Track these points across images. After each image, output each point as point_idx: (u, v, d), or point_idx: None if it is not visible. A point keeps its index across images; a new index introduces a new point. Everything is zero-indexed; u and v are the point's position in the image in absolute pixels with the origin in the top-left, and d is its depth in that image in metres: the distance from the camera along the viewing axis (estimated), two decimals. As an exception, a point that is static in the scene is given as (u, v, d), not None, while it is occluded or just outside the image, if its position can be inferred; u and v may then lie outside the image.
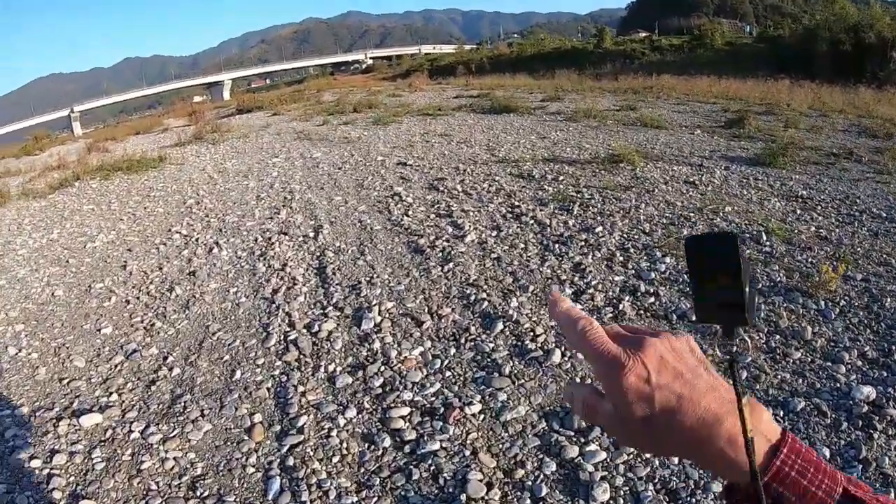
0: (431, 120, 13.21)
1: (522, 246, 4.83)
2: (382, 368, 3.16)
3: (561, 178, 7.01)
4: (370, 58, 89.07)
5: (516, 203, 6.08)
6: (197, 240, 5.88)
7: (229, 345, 3.63)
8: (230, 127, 16.11)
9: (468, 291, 4.03)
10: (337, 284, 4.37)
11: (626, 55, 40.75)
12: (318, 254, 5.13)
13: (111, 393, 3.28)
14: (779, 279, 4.02)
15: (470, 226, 5.43)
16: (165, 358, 3.59)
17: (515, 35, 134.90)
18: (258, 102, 23.64)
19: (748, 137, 9.34)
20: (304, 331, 3.67)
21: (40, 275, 5.36)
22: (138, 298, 4.58)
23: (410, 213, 6.07)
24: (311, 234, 5.68)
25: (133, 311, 4.35)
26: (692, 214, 5.43)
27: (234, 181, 8.45)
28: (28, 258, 5.90)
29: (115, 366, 3.58)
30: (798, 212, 5.42)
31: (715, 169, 7.18)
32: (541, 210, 5.79)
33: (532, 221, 5.47)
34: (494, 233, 5.23)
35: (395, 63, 72.82)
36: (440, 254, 4.83)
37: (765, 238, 4.73)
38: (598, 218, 5.43)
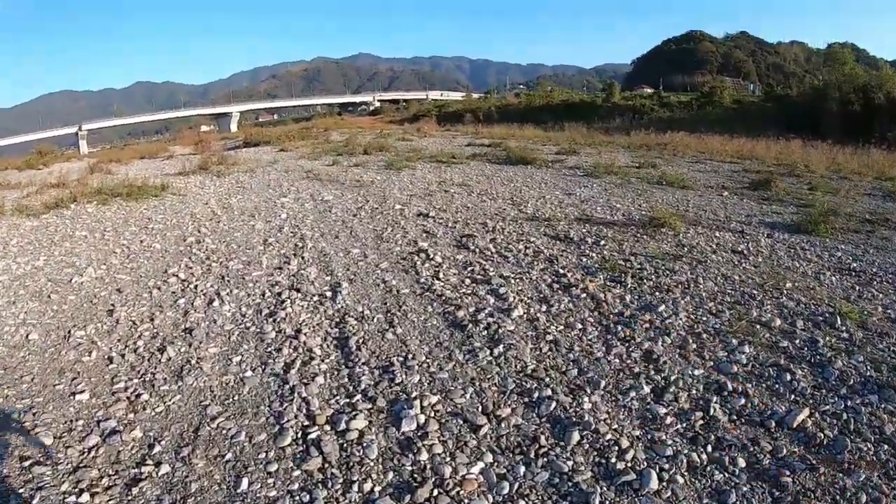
0: (447, 168, 12.75)
1: (580, 326, 4.17)
2: (436, 492, 2.44)
3: (602, 242, 6.41)
4: (378, 100, 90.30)
5: (561, 270, 5.43)
6: (196, 287, 5.19)
7: (232, 437, 2.91)
8: (236, 160, 15.62)
9: (528, 385, 3.33)
10: (363, 364, 3.66)
11: (635, 110, 41.00)
12: (338, 319, 4.44)
13: (81, 490, 2.58)
14: (868, 373, 3.47)
15: (514, 297, 4.75)
16: (152, 447, 2.88)
17: (521, 86, 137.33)
18: (266, 137, 23.30)
19: (778, 201, 8.97)
20: (328, 428, 2.95)
21: (17, 309, 4.70)
22: (123, 356, 3.89)
23: (441, 275, 5.39)
24: (328, 294, 4.99)
25: (116, 374, 3.65)
26: (755, 291, 4.85)
27: (240, 220, 7.83)
28: (7, 287, 5.26)
29: (89, 449, 2.88)
30: (857, 288, 4.96)
31: (758, 237, 6.69)
32: (591, 281, 5.14)
33: (584, 295, 4.81)
34: (544, 307, 4.56)
35: (402, 107, 73.59)
36: (485, 331, 4.13)
37: (839, 322, 4.16)
38: (657, 294, 4.79)
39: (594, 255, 5.94)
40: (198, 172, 13.98)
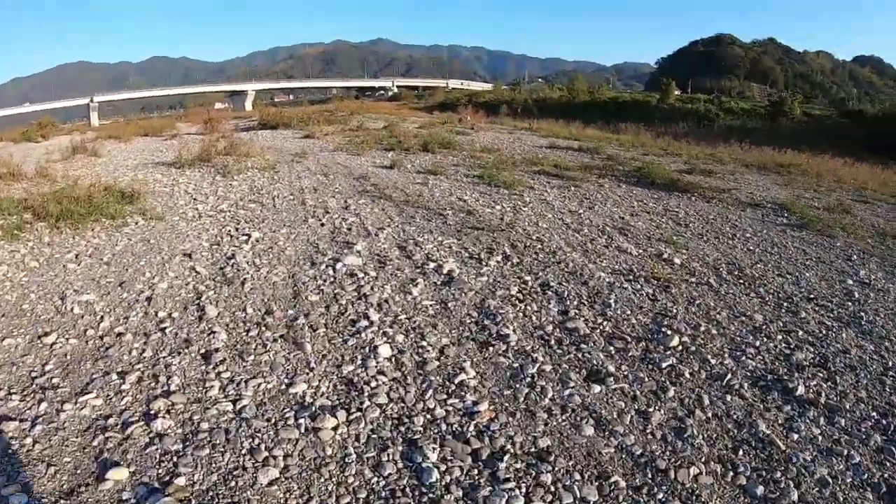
0: (577, 190, 8.25)
1: None
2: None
3: None
4: (397, 86, 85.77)
5: None
6: None
7: None
8: (250, 148, 11.21)
9: None
10: None
11: (697, 115, 36.35)
12: None
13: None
14: None
15: None
16: None
17: (540, 80, 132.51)
18: (285, 118, 18.82)
19: None
20: None
21: None
22: None
23: None
24: None
25: None
26: None
27: (264, 354, 3.33)
28: None
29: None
30: None
31: None
32: None
33: None
34: None
35: (424, 94, 69.05)
36: None
37: None
38: None
39: None
40: (196, 164, 9.69)
